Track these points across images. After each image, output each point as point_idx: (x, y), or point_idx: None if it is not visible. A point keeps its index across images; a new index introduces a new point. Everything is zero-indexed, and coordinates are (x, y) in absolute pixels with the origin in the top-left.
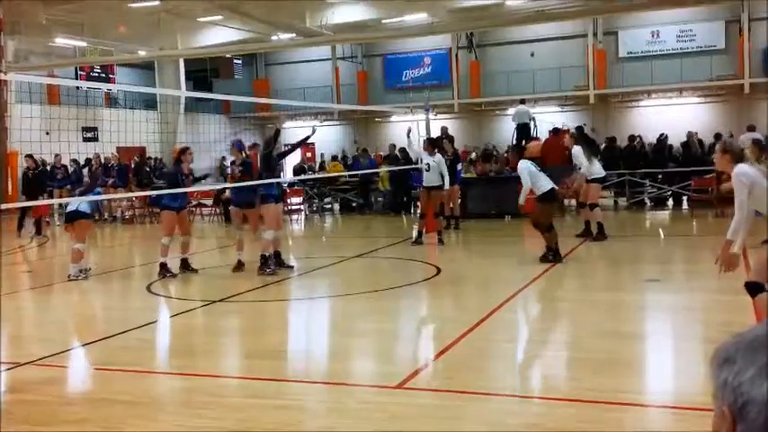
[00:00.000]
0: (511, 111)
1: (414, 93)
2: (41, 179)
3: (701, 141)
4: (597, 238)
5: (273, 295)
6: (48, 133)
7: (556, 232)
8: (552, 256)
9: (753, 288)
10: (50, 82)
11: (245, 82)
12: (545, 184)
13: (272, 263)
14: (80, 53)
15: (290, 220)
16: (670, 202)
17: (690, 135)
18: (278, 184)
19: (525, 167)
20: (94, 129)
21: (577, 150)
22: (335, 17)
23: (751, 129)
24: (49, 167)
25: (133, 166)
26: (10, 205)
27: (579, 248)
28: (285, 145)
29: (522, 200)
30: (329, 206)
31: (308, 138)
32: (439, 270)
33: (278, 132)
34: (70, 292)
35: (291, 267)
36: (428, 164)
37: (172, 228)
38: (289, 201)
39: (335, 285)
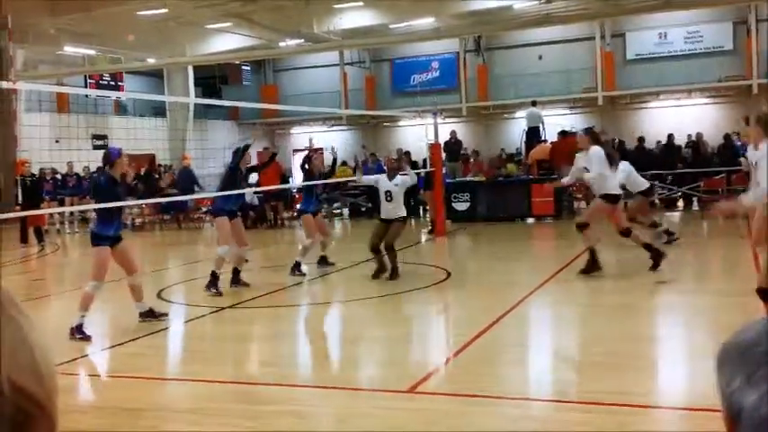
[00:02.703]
0: (519, 114)
1: (422, 97)
2: (39, 188)
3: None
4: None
5: (283, 301)
6: (57, 141)
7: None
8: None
9: (765, 294)
10: (60, 90)
11: (253, 88)
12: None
13: (221, 284)
14: (89, 61)
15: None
16: (680, 204)
17: (698, 136)
18: (237, 198)
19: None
20: (104, 136)
21: (595, 152)
22: (343, 23)
23: None
24: (59, 176)
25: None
26: (12, 215)
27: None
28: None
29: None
30: (338, 211)
31: (274, 156)
32: (449, 274)
33: (247, 147)
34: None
35: (247, 285)
36: (389, 191)
37: (315, 228)
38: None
39: (345, 290)
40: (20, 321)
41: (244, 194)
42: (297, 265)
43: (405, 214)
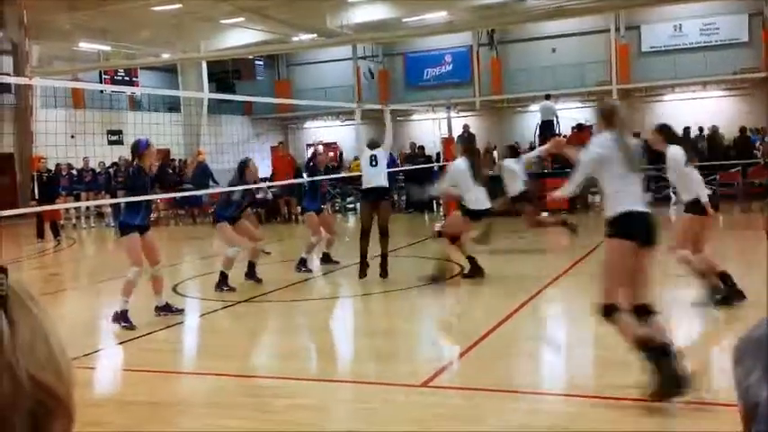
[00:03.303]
0: (533, 107)
1: (435, 91)
2: (55, 183)
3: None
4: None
5: (296, 296)
6: (73, 137)
7: None
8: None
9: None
10: (75, 86)
11: (266, 83)
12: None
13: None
14: (104, 57)
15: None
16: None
17: (714, 129)
18: (237, 205)
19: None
20: (119, 132)
21: (675, 152)
22: (356, 17)
23: None
24: (75, 171)
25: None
26: (29, 210)
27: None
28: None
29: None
30: (352, 205)
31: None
32: (462, 268)
33: (244, 162)
34: (95, 294)
35: (260, 281)
36: (374, 156)
37: (318, 226)
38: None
39: (357, 285)
40: (37, 316)
41: (242, 201)
42: (302, 262)
43: (387, 185)
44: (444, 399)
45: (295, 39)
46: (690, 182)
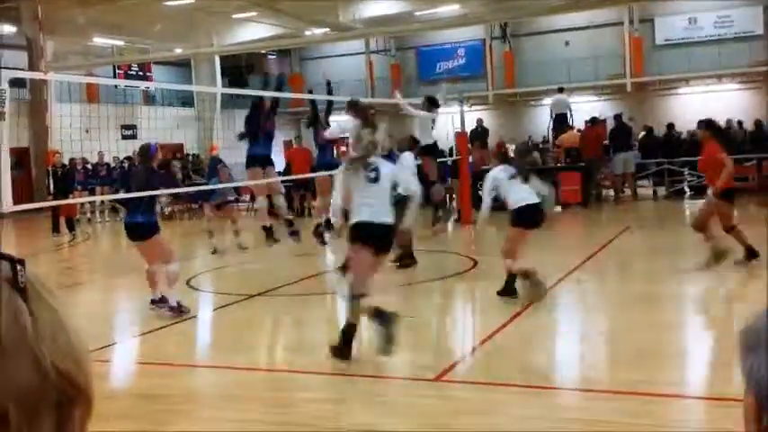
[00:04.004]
0: (546, 101)
1: (448, 85)
2: (70, 178)
3: (740, 123)
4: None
5: (311, 289)
6: (87, 131)
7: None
8: None
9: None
10: (89, 81)
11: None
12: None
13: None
14: (117, 52)
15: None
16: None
17: (729, 122)
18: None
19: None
20: (133, 126)
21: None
22: (368, 11)
23: None
24: (90, 166)
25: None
26: (43, 204)
27: (617, 240)
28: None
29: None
30: None
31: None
32: (475, 263)
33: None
34: (110, 288)
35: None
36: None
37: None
38: None
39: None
40: (55, 306)
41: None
42: (323, 225)
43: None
44: (458, 393)
45: (307, 33)
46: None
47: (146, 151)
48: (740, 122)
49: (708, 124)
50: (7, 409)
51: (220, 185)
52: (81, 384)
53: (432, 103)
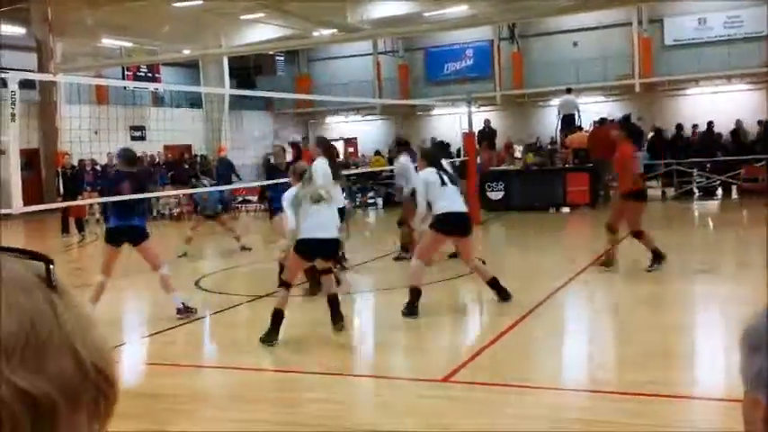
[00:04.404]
0: (554, 102)
1: (456, 86)
2: (79, 179)
3: (761, 122)
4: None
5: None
6: (96, 132)
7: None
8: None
9: None
10: (98, 82)
11: (287, 78)
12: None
13: None
14: (126, 53)
15: None
16: (719, 192)
17: (738, 123)
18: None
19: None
20: (142, 128)
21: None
22: (376, 11)
23: None
24: (99, 167)
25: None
26: (54, 205)
27: (624, 241)
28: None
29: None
30: (373, 200)
31: None
32: (483, 263)
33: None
34: (118, 289)
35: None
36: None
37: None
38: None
39: (379, 280)
40: (80, 303)
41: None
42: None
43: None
44: (466, 393)
45: (315, 34)
46: None
47: (132, 158)
48: (760, 122)
49: (623, 125)
50: (56, 402)
51: (205, 189)
52: (113, 379)
53: (400, 144)
